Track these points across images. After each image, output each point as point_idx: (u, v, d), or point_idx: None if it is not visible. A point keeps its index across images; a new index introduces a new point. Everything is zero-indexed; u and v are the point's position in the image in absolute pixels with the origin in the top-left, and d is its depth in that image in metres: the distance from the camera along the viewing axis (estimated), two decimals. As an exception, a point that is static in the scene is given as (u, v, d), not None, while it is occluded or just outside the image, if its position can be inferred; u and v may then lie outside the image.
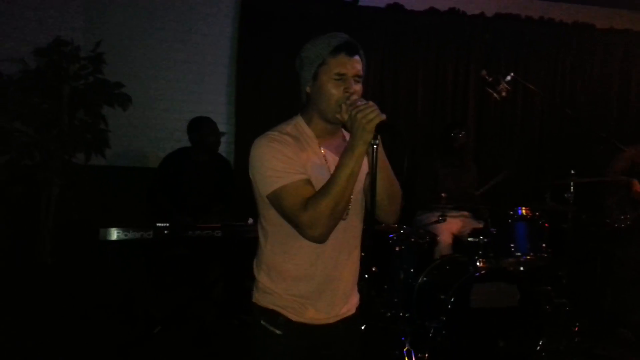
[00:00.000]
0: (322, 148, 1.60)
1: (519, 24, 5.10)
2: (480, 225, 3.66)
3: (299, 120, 1.63)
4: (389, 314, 3.38)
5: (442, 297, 3.14)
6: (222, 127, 4.56)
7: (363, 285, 3.36)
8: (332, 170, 1.53)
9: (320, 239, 1.48)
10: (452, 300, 3.09)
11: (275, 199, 1.49)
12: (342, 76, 1.52)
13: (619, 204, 3.87)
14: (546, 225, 3.48)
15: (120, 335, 3.25)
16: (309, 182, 1.50)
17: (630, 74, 5.33)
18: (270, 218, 1.57)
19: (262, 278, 1.62)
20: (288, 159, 1.50)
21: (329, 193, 1.44)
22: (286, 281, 1.58)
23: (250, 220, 3.07)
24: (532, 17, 5.12)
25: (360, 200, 1.66)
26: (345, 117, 1.48)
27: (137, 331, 3.27)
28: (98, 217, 3.21)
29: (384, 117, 1.42)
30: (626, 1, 5.13)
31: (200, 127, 3.75)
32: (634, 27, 5.31)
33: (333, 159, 1.58)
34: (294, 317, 1.58)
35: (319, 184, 1.50)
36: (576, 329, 3.51)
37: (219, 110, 4.65)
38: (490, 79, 3.66)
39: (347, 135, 1.69)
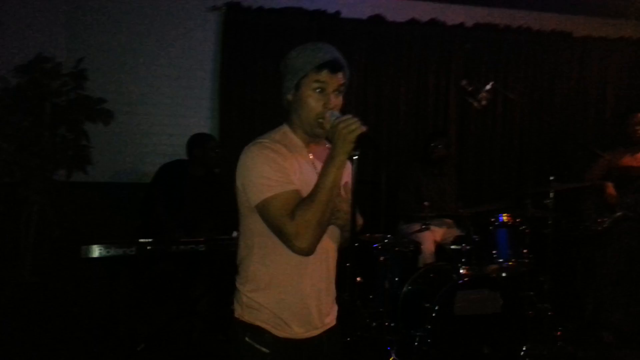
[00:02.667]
0: (311, 156, 1.62)
1: (497, 33, 5.17)
2: (463, 233, 3.69)
3: (286, 129, 1.63)
4: (374, 323, 3.39)
5: (426, 305, 3.17)
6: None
7: (348, 296, 3.39)
8: None
9: (307, 251, 1.47)
10: (437, 308, 3.12)
11: (264, 208, 1.48)
12: (323, 91, 1.55)
13: (595, 208, 3.93)
14: (527, 231, 3.53)
15: (104, 353, 3.22)
16: (298, 193, 1.50)
17: (607, 81, 5.42)
18: (257, 229, 1.56)
19: (246, 291, 1.60)
20: (280, 167, 1.50)
21: (314, 203, 1.44)
22: (273, 294, 1.57)
23: (235, 234, 3.04)
24: (510, 26, 5.20)
25: None
26: (328, 126, 1.50)
27: (121, 349, 3.24)
28: (80, 234, 3.18)
29: (364, 128, 1.44)
30: (602, 10, 5.24)
31: (204, 143, 3.78)
32: (609, 35, 5.42)
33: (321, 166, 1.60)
34: (279, 333, 1.57)
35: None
36: (559, 333, 3.55)
37: (202, 124, 4.65)
38: (470, 89, 3.71)
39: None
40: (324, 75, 1.55)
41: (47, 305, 3.55)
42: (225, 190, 3.92)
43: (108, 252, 2.84)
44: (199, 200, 3.72)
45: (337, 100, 1.57)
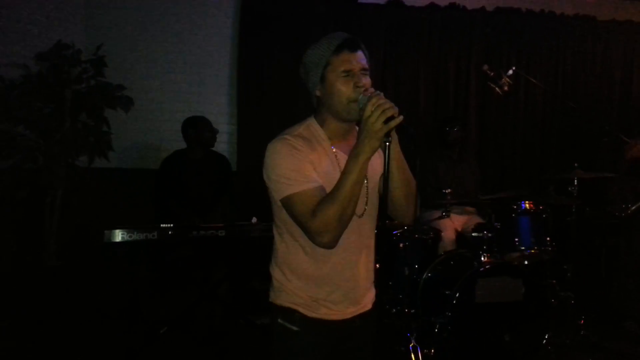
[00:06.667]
0: (334, 149, 1.61)
1: (519, 17, 5.07)
2: (484, 220, 3.64)
3: (312, 122, 1.63)
4: (394, 310, 3.38)
5: (447, 292, 3.14)
6: (224, 128, 4.59)
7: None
8: None
9: (329, 245, 1.49)
10: (457, 295, 3.09)
11: (287, 205, 1.51)
12: (349, 72, 1.53)
13: (620, 193, 3.85)
14: (549, 218, 3.47)
15: (126, 337, 3.27)
16: (320, 189, 1.50)
17: (632, 66, 5.28)
18: (284, 218, 1.58)
19: (277, 276, 1.64)
20: (301, 165, 1.50)
21: (336, 200, 1.44)
22: (300, 280, 1.60)
23: (254, 220, 3.08)
24: (532, 10, 5.09)
25: (375, 199, 1.67)
26: (362, 112, 1.46)
27: (143, 332, 3.28)
28: (102, 219, 3.22)
29: (399, 120, 1.43)
30: (627, -8, 5.11)
31: (196, 124, 3.84)
32: (635, 19, 5.27)
33: (345, 160, 1.58)
34: (309, 314, 1.59)
35: (329, 185, 1.50)
36: (582, 322, 3.51)
37: (221, 110, 4.67)
38: (491, 74, 3.65)
39: None
40: (345, 55, 1.53)
41: (70, 289, 3.61)
42: (229, 166, 3.98)
43: (130, 236, 2.86)
44: (204, 181, 3.78)
45: (366, 80, 1.55)
